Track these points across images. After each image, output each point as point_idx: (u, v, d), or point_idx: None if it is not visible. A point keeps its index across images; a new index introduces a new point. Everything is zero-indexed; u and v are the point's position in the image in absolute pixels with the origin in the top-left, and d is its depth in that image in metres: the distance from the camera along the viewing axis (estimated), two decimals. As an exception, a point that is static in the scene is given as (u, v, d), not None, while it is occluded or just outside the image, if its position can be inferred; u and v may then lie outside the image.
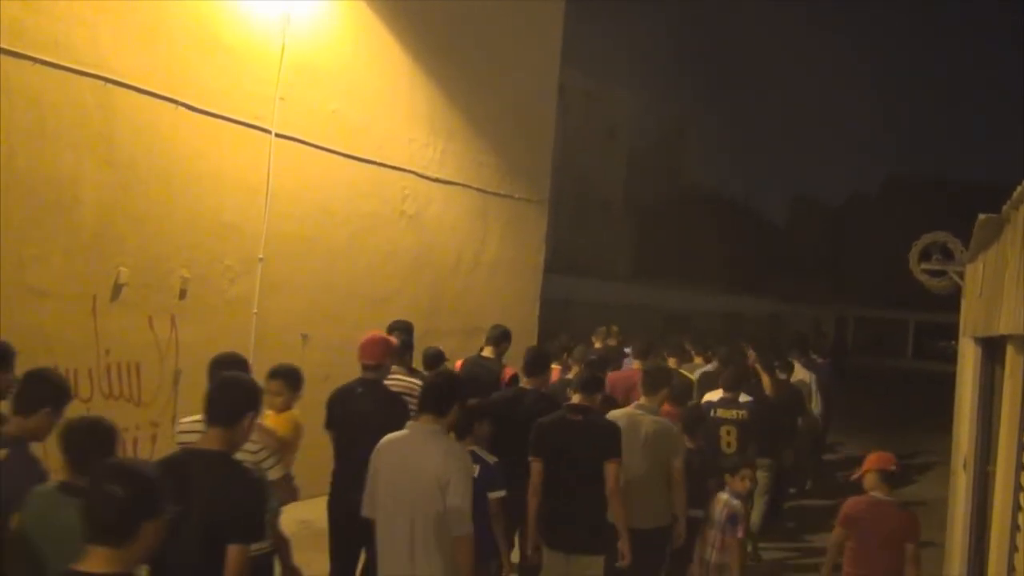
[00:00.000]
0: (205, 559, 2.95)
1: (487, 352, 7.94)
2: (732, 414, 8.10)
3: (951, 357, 9.42)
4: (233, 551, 3.48)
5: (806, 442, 11.26)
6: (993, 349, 7.75)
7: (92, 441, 3.86)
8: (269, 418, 5.30)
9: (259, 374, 8.57)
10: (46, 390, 4.26)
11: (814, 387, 11.43)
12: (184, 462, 3.70)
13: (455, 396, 4.75)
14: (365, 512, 4.63)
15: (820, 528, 10.32)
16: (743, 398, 8.23)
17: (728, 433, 8.06)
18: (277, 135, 8.64)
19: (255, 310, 8.49)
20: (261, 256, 8.55)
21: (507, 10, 12.13)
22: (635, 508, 5.78)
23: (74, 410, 6.88)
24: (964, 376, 8.40)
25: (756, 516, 8.75)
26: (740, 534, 6.70)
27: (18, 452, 4.02)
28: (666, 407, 6.71)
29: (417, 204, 10.72)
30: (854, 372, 22.61)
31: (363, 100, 9.81)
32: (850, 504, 6.10)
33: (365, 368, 6.06)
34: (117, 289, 7.21)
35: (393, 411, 5.62)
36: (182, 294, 7.80)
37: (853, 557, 6.06)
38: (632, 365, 9.17)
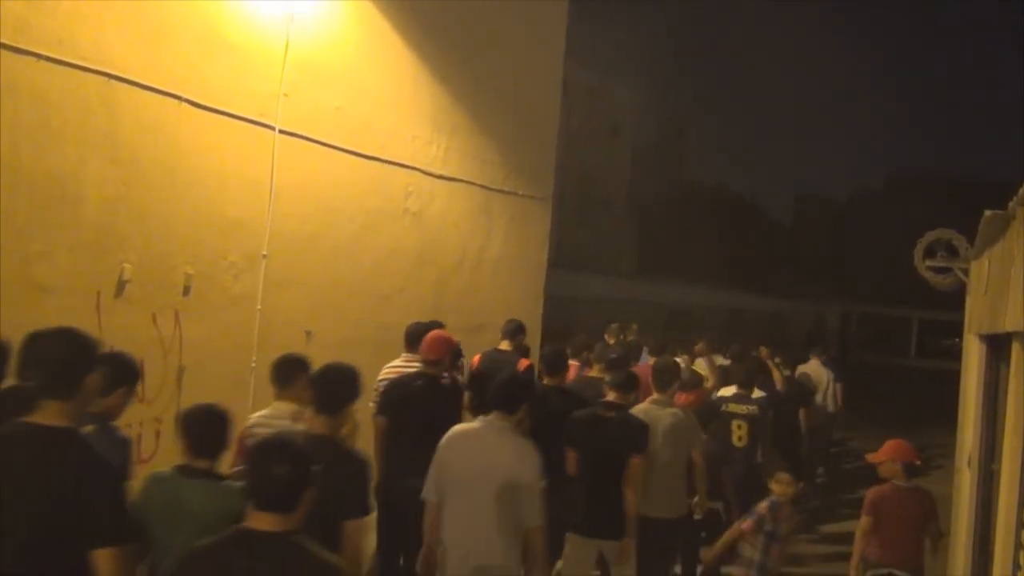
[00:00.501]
0: (320, 536, 3.12)
1: (504, 345, 8.32)
2: (743, 409, 8.42)
3: (955, 355, 9.43)
4: (349, 526, 3.93)
5: (821, 436, 11.64)
6: (998, 346, 7.73)
7: (209, 427, 4.25)
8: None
9: (264, 370, 8.59)
10: (123, 371, 4.61)
11: (830, 384, 11.97)
12: None
13: (524, 396, 5.14)
14: (426, 495, 4.96)
15: (833, 518, 10.50)
16: (756, 394, 8.55)
17: (739, 428, 8.35)
18: (281, 132, 8.63)
19: (259, 307, 8.49)
20: (265, 253, 8.55)
21: (512, 8, 12.12)
22: (655, 498, 6.21)
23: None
24: (969, 373, 8.39)
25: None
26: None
27: (103, 428, 4.32)
28: (680, 398, 7.13)
29: (421, 201, 10.72)
30: (856, 369, 22.68)
31: (367, 97, 9.81)
32: (875, 492, 6.43)
33: (426, 363, 6.53)
34: (121, 286, 7.21)
35: (450, 405, 6.06)
36: (186, 291, 7.79)
37: (880, 543, 6.36)
38: (648, 361, 9.35)
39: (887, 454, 6.39)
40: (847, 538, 7.48)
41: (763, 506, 6.62)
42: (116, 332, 7.15)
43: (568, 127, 21.61)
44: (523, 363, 7.96)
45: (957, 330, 9.37)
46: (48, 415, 3.27)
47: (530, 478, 4.75)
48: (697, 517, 6.99)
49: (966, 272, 8.84)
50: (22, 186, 6.47)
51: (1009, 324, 5.50)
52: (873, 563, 6.39)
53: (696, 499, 6.86)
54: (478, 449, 4.84)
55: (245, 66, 8.30)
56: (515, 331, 8.38)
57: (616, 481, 5.92)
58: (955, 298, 9.64)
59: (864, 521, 6.41)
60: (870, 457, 6.48)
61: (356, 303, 9.75)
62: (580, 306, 18.71)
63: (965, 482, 8.12)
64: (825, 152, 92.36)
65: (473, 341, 9.90)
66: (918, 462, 6.47)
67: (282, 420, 5.28)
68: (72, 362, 3.35)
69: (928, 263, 9.27)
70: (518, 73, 12.43)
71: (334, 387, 4.36)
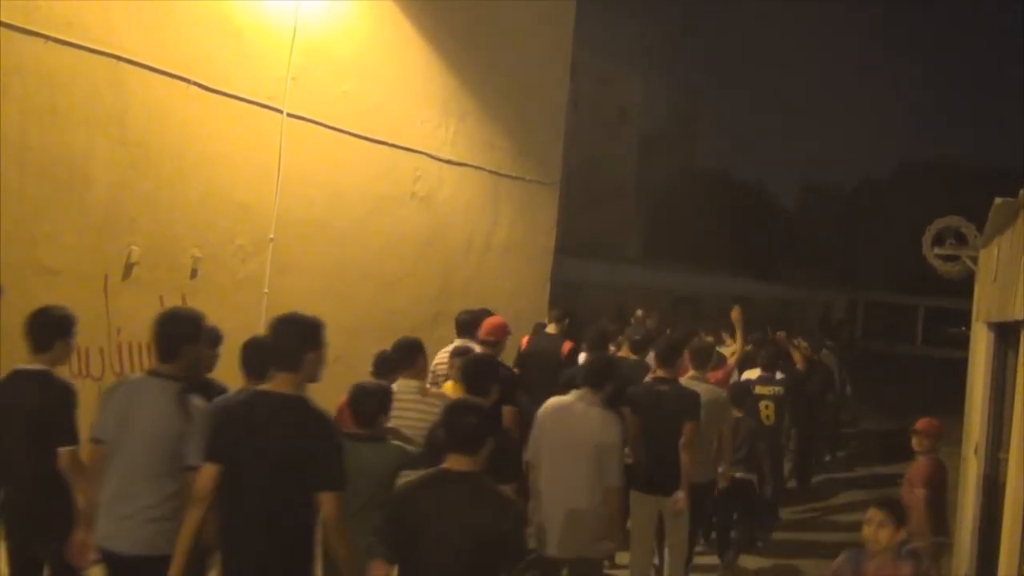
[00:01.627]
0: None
1: (551, 329, 9.11)
2: (769, 390, 9.33)
3: (962, 343, 9.42)
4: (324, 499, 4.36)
5: (831, 418, 13.16)
6: (1007, 334, 7.71)
7: (375, 400, 5.25)
8: (448, 387, 6.67)
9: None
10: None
11: (836, 369, 12.88)
12: None
13: (611, 376, 6.07)
14: (527, 457, 5.89)
15: (841, 492, 11.65)
16: (779, 375, 9.48)
17: (767, 407, 9.25)
18: (289, 115, 8.62)
19: (266, 290, 8.50)
20: (272, 236, 8.55)
21: (520, -9, 12.07)
22: (691, 465, 6.85)
23: (87, 389, 6.92)
24: (976, 361, 8.37)
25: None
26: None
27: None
28: (711, 376, 7.84)
29: (428, 186, 10.70)
30: (862, 357, 22.76)
31: (375, 81, 9.78)
32: (922, 465, 7.00)
33: (484, 344, 7.16)
34: (129, 268, 7.22)
35: (507, 383, 6.43)
36: (193, 273, 7.81)
37: (931, 510, 6.85)
38: None
39: (923, 430, 7.11)
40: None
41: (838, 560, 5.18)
42: (123, 314, 7.18)
43: (576, 113, 21.56)
44: (567, 345, 8.69)
45: (964, 318, 9.33)
46: (279, 384, 4.13)
47: (612, 444, 5.70)
48: (722, 486, 7.59)
49: (975, 260, 8.80)
50: (30, 168, 6.49)
51: (1018, 312, 5.49)
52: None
53: (722, 469, 7.52)
54: (570, 419, 5.77)
55: (253, 50, 8.28)
56: (561, 316, 9.20)
57: (673, 445, 6.65)
58: (962, 286, 9.61)
59: (922, 493, 6.83)
60: (914, 429, 7.11)
61: (363, 287, 9.75)
62: (586, 292, 18.69)
63: (972, 470, 8.11)
64: (833, 139, 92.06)
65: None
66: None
67: (412, 394, 6.03)
68: (298, 344, 4.25)
69: (936, 251, 9.23)
70: (527, 58, 12.38)
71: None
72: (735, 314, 9.37)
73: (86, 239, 6.90)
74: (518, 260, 12.61)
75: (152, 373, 4.62)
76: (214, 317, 8.02)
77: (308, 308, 8.89)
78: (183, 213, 7.71)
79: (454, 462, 3.98)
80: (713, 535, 8.52)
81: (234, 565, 4.08)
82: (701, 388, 7.17)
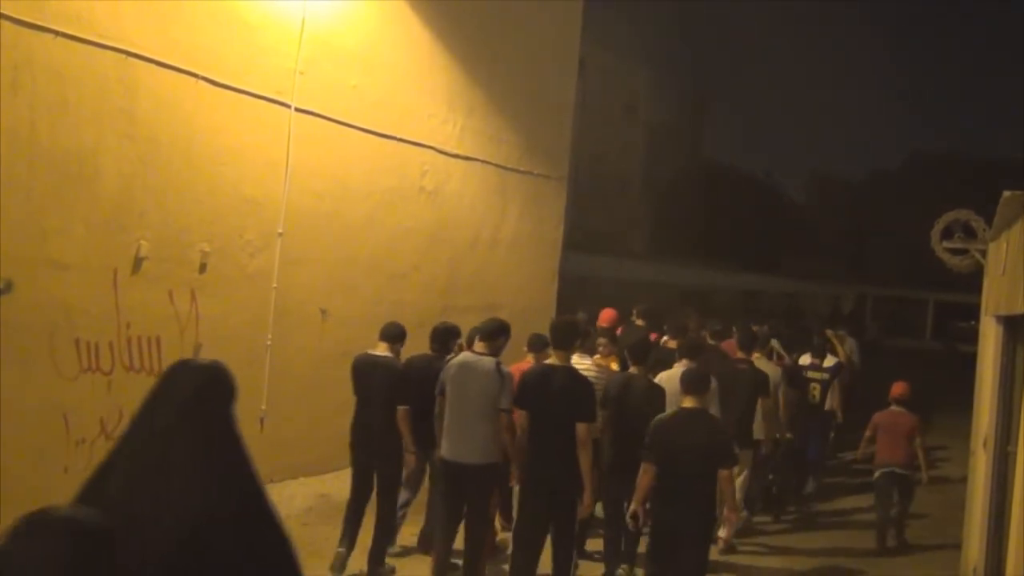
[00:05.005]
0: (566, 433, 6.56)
1: (638, 322, 11.05)
2: (818, 375, 10.96)
3: (971, 337, 9.40)
4: (581, 427, 6.52)
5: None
6: (1015, 328, 7.69)
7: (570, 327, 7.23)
8: (602, 357, 8.48)
9: (279, 347, 8.64)
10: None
11: (857, 355, 14.48)
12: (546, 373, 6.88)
13: (703, 349, 8.41)
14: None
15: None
16: (827, 363, 11.12)
17: (814, 389, 10.85)
18: (297, 110, 8.63)
19: (275, 284, 8.52)
20: (281, 231, 8.57)
21: (527, -15, 12.05)
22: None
23: (96, 383, 6.96)
24: (985, 355, 8.35)
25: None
26: None
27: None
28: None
29: (436, 180, 10.71)
30: (871, 350, 22.73)
31: (383, 75, 9.78)
32: (878, 415, 9.52)
33: (600, 330, 9.27)
34: (138, 262, 7.24)
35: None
36: (202, 268, 7.83)
37: (879, 447, 9.41)
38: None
39: (893, 392, 9.55)
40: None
41: None
42: (133, 309, 7.20)
43: (584, 107, 21.50)
44: (652, 336, 10.24)
45: (973, 312, 9.30)
46: (558, 358, 6.79)
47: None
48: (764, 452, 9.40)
49: (984, 253, 8.77)
50: (39, 163, 6.51)
51: (1027, 305, 5.46)
52: (878, 464, 9.44)
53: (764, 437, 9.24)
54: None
55: (262, 44, 8.29)
56: (647, 312, 11.29)
57: (751, 413, 8.78)
58: (971, 280, 9.58)
59: (867, 436, 9.64)
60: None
61: (371, 281, 9.77)
62: (594, 287, 18.66)
63: (981, 464, 8.10)
64: (843, 132, 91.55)
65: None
66: (908, 395, 9.51)
67: (586, 362, 7.97)
68: (572, 330, 7.06)
69: (945, 244, 9.20)
70: (534, 52, 12.38)
71: (565, 332, 7.03)
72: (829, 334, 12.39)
73: (95, 233, 6.92)
74: (525, 254, 12.61)
75: (477, 353, 6.91)
76: (223, 311, 8.11)
77: (316, 301, 9.02)
78: (192, 207, 7.73)
79: (688, 402, 6.32)
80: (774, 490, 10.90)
81: (539, 461, 6.57)
82: (761, 363, 9.36)
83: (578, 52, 13.93)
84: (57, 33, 6.52)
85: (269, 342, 8.45)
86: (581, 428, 6.43)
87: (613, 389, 7.63)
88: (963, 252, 9.12)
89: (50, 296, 6.54)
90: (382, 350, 7.53)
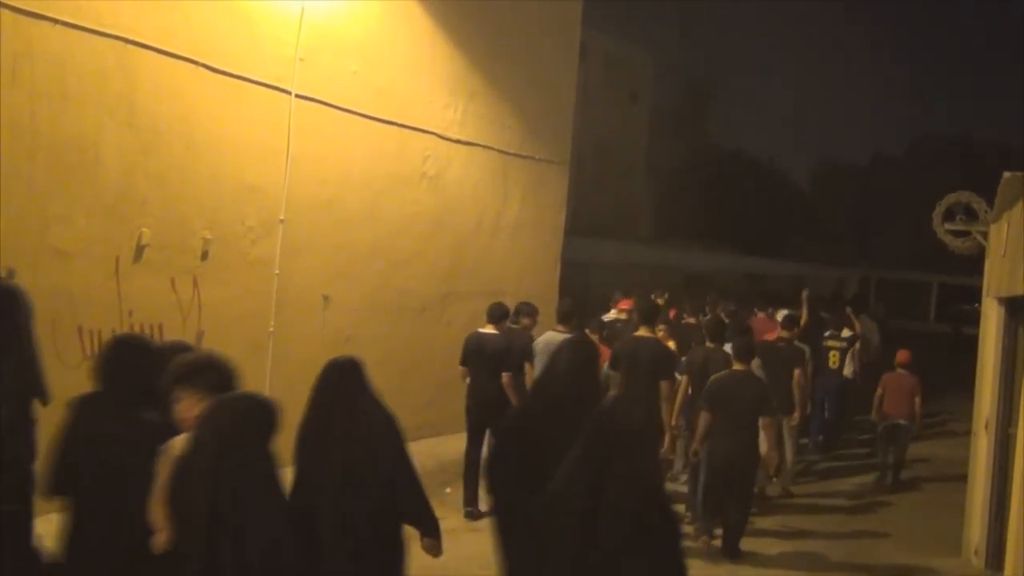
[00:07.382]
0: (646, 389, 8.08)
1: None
2: (836, 344, 12.69)
3: (975, 320, 9.38)
4: (665, 384, 8.23)
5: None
6: (1017, 309, 7.70)
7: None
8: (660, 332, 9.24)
9: (282, 334, 8.66)
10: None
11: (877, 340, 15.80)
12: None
13: (753, 351, 8.68)
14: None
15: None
16: (845, 333, 12.90)
17: (833, 356, 12.62)
18: (297, 96, 8.63)
19: (277, 271, 8.54)
20: (282, 217, 8.58)
21: (528, -30, 12.01)
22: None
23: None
24: (987, 336, 8.35)
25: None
26: None
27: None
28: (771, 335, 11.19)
29: (438, 165, 10.70)
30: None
31: (384, 61, 9.77)
32: (886, 376, 11.33)
33: (620, 310, 11.56)
34: (140, 250, 7.27)
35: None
36: (204, 255, 7.85)
37: (886, 403, 11.12)
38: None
39: (898, 359, 11.35)
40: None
41: None
42: (135, 296, 7.23)
43: (586, 92, 21.48)
44: (672, 312, 12.07)
45: (977, 295, 9.29)
46: (644, 332, 8.51)
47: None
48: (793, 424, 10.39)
49: (985, 235, 8.76)
50: (41, 151, 6.52)
51: (1027, 287, 5.47)
52: (883, 417, 11.15)
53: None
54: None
55: (262, 31, 8.29)
56: (671, 298, 13.44)
57: (788, 384, 9.82)
58: (975, 263, 9.56)
59: (878, 394, 11.24)
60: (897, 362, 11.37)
61: (373, 267, 9.79)
62: (597, 272, 18.65)
63: (982, 446, 8.11)
64: (847, 116, 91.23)
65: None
66: (909, 360, 11.31)
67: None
68: (655, 310, 9.23)
69: (947, 226, 9.17)
70: (536, 37, 12.35)
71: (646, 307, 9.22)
72: (804, 294, 13.39)
73: (97, 222, 6.94)
74: (528, 240, 12.61)
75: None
76: (225, 298, 8.13)
77: (318, 288, 9.03)
78: (193, 195, 7.74)
79: (737, 365, 7.99)
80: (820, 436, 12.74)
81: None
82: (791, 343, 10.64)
83: (579, 36, 13.90)
84: (57, 22, 6.53)
85: (271, 329, 8.48)
86: (664, 384, 8.21)
87: (697, 361, 8.85)
88: (965, 234, 9.09)
89: (52, 284, 6.56)
90: (489, 329, 8.59)
